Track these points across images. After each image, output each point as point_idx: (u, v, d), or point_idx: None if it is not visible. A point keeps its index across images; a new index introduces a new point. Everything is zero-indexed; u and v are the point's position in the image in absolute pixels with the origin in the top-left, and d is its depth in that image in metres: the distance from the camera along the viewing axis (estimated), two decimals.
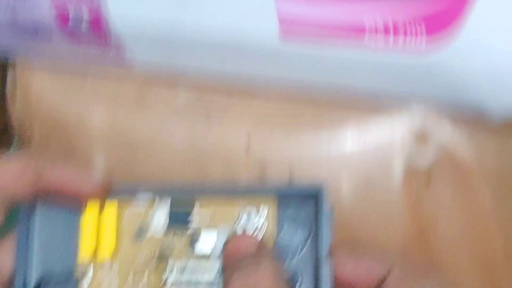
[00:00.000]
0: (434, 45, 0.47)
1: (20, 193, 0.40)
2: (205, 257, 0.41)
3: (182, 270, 0.41)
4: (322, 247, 0.39)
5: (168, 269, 0.41)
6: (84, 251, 0.41)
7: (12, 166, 0.40)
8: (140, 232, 0.41)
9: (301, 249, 0.41)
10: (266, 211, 0.40)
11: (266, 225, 0.40)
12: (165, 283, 0.41)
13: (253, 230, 0.41)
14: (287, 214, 0.41)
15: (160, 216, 0.41)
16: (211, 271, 0.41)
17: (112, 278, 0.41)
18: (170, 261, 0.41)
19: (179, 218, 0.41)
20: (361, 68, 0.51)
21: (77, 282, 0.41)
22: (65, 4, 0.57)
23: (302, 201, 0.41)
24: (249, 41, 0.52)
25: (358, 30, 0.49)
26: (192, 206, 0.41)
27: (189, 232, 0.41)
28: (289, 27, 0.51)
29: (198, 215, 0.41)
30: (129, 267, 0.41)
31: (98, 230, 0.41)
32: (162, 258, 0.41)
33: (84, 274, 0.41)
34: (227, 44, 0.53)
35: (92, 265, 0.41)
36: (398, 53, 0.49)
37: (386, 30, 0.48)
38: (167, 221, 0.41)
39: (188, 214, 0.41)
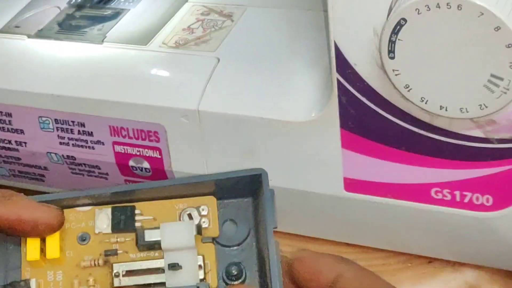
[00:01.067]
0: (501, 203, 0.50)
1: None
2: (152, 250, 0.41)
3: (129, 266, 0.41)
4: (268, 224, 0.40)
5: (114, 269, 0.41)
6: (27, 264, 0.41)
7: None
8: (84, 236, 0.42)
9: (243, 243, 0.42)
10: (207, 210, 0.42)
11: (207, 224, 0.41)
12: (113, 283, 0.41)
13: (196, 227, 0.41)
14: (226, 213, 0.42)
15: (102, 221, 0.42)
16: (159, 261, 0.41)
17: (58, 286, 0.41)
18: (116, 260, 0.41)
19: (121, 223, 0.41)
20: (423, 220, 0.53)
21: None
22: (126, 153, 0.59)
23: (239, 200, 0.42)
24: (313, 189, 0.55)
25: (423, 191, 0.51)
26: (133, 212, 0.42)
27: (132, 234, 0.41)
28: (354, 184, 0.53)
29: (140, 219, 0.42)
30: (74, 271, 0.41)
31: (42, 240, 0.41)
32: (109, 257, 0.41)
33: (26, 286, 0.40)
34: (290, 189, 0.55)
35: (34, 279, 0.41)
36: (463, 208, 0.51)
37: (453, 195, 0.51)
38: (110, 226, 0.41)
39: (129, 218, 0.41)
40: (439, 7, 0.43)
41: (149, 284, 0.41)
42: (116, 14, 0.64)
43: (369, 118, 0.50)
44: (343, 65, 0.49)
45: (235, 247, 0.42)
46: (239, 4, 0.62)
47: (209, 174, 0.43)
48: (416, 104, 0.47)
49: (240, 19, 0.60)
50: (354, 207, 0.54)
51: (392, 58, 0.46)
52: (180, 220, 0.42)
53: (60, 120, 0.59)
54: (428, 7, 0.43)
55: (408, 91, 0.46)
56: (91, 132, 0.59)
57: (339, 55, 0.48)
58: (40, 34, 0.63)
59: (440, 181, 0.51)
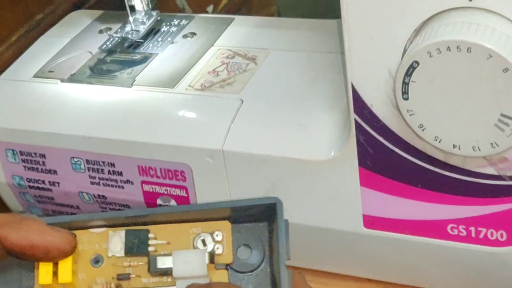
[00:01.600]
0: None
1: None
2: (165, 275, 0.41)
3: None
4: (280, 254, 0.39)
5: None
6: (40, 286, 0.40)
7: None
8: (98, 259, 0.41)
9: (257, 269, 0.41)
10: (221, 236, 0.41)
11: (221, 250, 0.41)
12: None
13: (209, 255, 0.40)
14: (241, 238, 0.41)
15: (116, 244, 0.41)
16: (174, 287, 0.40)
17: None
18: (128, 285, 0.41)
19: (134, 248, 0.41)
20: (440, 255, 0.54)
21: None
22: (154, 192, 0.61)
23: (254, 225, 0.41)
24: (333, 226, 0.56)
25: (440, 227, 0.53)
26: (147, 235, 0.41)
27: (145, 258, 0.41)
28: (373, 221, 0.55)
29: (153, 244, 0.41)
30: None
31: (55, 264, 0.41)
32: (121, 281, 0.41)
33: None
34: (312, 226, 0.57)
35: None
36: (478, 244, 0.52)
37: (468, 230, 0.52)
38: (123, 249, 0.41)
39: (143, 242, 0.41)
40: (450, 50, 0.45)
41: None
42: (145, 59, 0.66)
43: (386, 157, 0.52)
44: (360, 106, 0.51)
45: (248, 273, 0.41)
46: (263, 47, 0.64)
47: (224, 202, 0.43)
48: (430, 143, 0.48)
49: (264, 62, 0.63)
50: (374, 243, 0.56)
51: (406, 99, 0.47)
52: (194, 245, 0.41)
53: (91, 160, 0.61)
54: (439, 50, 0.45)
55: (422, 130, 0.48)
56: (121, 172, 0.61)
57: (356, 96, 0.50)
58: (73, 78, 0.65)
59: (455, 217, 0.52)
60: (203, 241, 0.41)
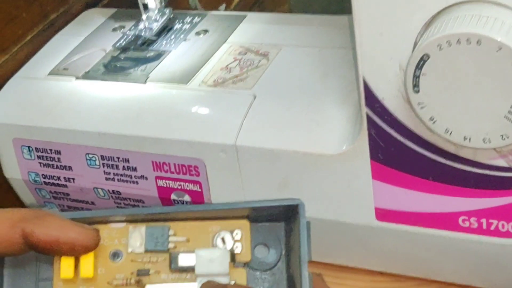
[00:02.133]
0: None
1: (9, 248, 0.40)
2: (184, 272, 0.41)
3: (163, 287, 0.41)
4: (302, 255, 0.39)
5: None
6: (59, 280, 0.41)
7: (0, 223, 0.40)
8: (117, 254, 0.42)
9: (273, 268, 0.41)
10: (240, 235, 0.41)
11: (240, 249, 0.41)
12: None
13: (229, 252, 0.41)
14: (258, 237, 0.42)
15: (135, 240, 0.41)
16: (192, 284, 0.41)
17: None
18: (148, 280, 0.41)
19: (154, 244, 0.41)
20: (452, 247, 0.55)
21: None
22: (168, 187, 0.61)
23: (272, 224, 0.42)
24: (346, 220, 0.57)
25: (451, 220, 0.53)
26: (167, 232, 0.41)
27: (165, 254, 0.41)
28: (385, 214, 0.55)
29: (173, 241, 0.41)
30: None
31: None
32: (141, 277, 0.41)
33: None
34: (324, 220, 0.58)
35: None
36: (489, 235, 0.53)
37: (479, 222, 0.53)
38: (143, 245, 0.41)
39: (163, 238, 0.41)
40: (460, 42, 0.45)
41: None
42: (158, 56, 0.67)
43: (397, 150, 0.52)
44: (371, 100, 0.51)
45: (265, 272, 0.42)
46: (275, 43, 0.65)
47: (246, 202, 0.44)
48: (441, 135, 0.49)
49: (275, 57, 0.63)
50: (386, 236, 0.56)
51: (417, 92, 0.48)
52: (213, 243, 0.42)
53: (106, 156, 0.62)
54: (449, 43, 0.45)
55: (433, 123, 0.49)
56: (135, 168, 0.62)
57: (368, 90, 0.51)
58: (87, 76, 0.66)
59: (467, 209, 0.53)
60: (223, 239, 0.42)
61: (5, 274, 0.42)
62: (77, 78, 0.66)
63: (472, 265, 0.56)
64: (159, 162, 0.61)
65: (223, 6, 1.04)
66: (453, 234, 0.54)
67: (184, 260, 0.41)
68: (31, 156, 0.65)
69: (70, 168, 0.64)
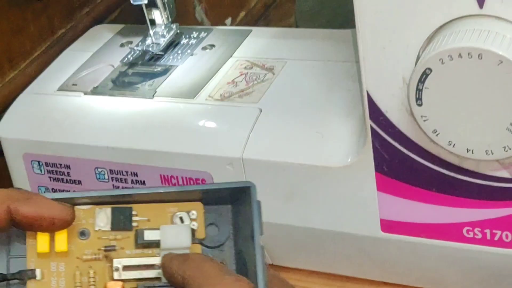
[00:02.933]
0: None
1: None
2: (147, 248, 0.44)
3: (128, 261, 0.44)
4: (255, 230, 0.43)
5: (114, 263, 0.44)
6: (32, 255, 0.44)
7: None
8: (84, 233, 0.44)
9: (222, 245, 0.45)
10: (195, 215, 0.45)
11: (196, 227, 0.45)
12: (112, 276, 0.44)
13: (190, 228, 0.45)
14: (210, 218, 0.46)
15: (102, 220, 0.45)
16: (155, 258, 0.44)
17: (60, 276, 0.44)
18: (116, 255, 0.44)
19: (120, 223, 0.45)
20: (457, 258, 0.55)
21: (25, 283, 0.44)
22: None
23: (220, 207, 0.46)
24: (351, 231, 0.58)
25: (455, 231, 0.54)
26: (131, 212, 0.45)
27: (131, 231, 0.45)
28: (390, 225, 0.56)
29: (136, 220, 0.45)
30: (76, 264, 0.44)
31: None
32: (108, 253, 0.44)
33: (32, 275, 0.44)
34: (330, 231, 0.58)
35: (39, 269, 0.44)
36: (493, 246, 0.53)
37: (483, 233, 0.54)
38: (108, 224, 0.45)
39: (127, 218, 0.45)
40: (461, 56, 0.46)
41: (146, 278, 0.44)
42: (166, 71, 0.68)
43: (401, 162, 0.53)
44: (375, 113, 0.52)
45: (216, 248, 0.46)
46: (280, 57, 0.66)
47: (199, 185, 0.47)
48: (444, 147, 0.50)
49: (281, 72, 0.64)
50: (391, 247, 0.57)
51: (420, 105, 0.49)
52: (172, 222, 0.46)
53: (114, 170, 0.63)
54: (451, 57, 0.46)
55: (436, 135, 0.49)
56: (144, 181, 0.62)
57: (372, 103, 0.52)
58: (96, 91, 0.67)
59: (471, 220, 0.53)
60: (181, 219, 0.45)
61: None
62: (86, 93, 0.67)
63: (476, 275, 0.57)
64: (167, 176, 0.61)
65: (229, 20, 1.05)
66: (457, 245, 0.55)
67: (149, 235, 0.45)
68: (41, 170, 0.66)
69: (79, 182, 0.65)
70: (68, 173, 0.65)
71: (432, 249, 0.56)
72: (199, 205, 0.46)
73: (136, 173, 0.62)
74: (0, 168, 0.70)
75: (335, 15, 0.96)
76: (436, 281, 0.59)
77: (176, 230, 0.45)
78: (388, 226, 0.56)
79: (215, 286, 0.40)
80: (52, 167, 0.65)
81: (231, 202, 0.46)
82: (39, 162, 0.65)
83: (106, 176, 0.64)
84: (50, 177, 0.66)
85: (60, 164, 0.65)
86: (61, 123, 0.65)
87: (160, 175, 0.62)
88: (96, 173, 0.64)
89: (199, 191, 0.46)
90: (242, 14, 1.09)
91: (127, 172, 0.63)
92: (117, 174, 0.63)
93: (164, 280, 0.44)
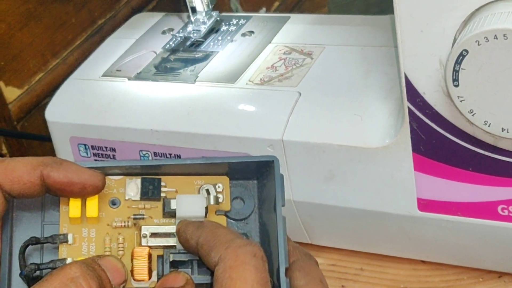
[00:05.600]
0: None
1: (29, 189, 0.44)
2: (173, 217, 0.46)
3: (155, 229, 0.46)
4: (277, 201, 0.45)
5: (142, 230, 0.46)
6: (65, 221, 0.46)
7: (22, 165, 0.44)
8: (115, 201, 0.47)
9: (247, 218, 0.47)
10: (221, 188, 0.47)
11: (221, 200, 0.47)
12: (140, 242, 0.46)
13: (213, 201, 0.47)
14: (235, 192, 0.48)
15: (132, 189, 0.47)
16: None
17: (91, 241, 0.46)
18: (144, 223, 0.46)
19: (149, 192, 0.47)
20: (491, 236, 0.57)
21: (58, 247, 0.46)
22: None
23: (246, 181, 0.48)
24: (389, 210, 0.59)
25: (490, 209, 0.55)
26: (160, 183, 0.47)
27: (159, 201, 0.47)
28: (427, 204, 0.57)
29: (165, 191, 0.47)
30: (106, 230, 0.46)
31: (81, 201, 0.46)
32: (137, 221, 0.46)
33: (64, 240, 0.46)
34: (368, 211, 0.60)
35: (71, 234, 0.46)
36: None
37: None
38: (138, 194, 0.47)
39: (156, 188, 0.47)
40: (497, 38, 0.47)
41: (172, 246, 0.46)
42: (207, 56, 0.70)
43: (438, 142, 0.54)
44: (413, 95, 0.53)
45: (241, 221, 0.48)
46: (318, 43, 0.67)
47: (225, 157, 0.49)
48: (480, 127, 0.51)
49: (319, 56, 0.66)
50: (428, 225, 0.59)
51: (457, 86, 0.50)
52: (199, 193, 0.47)
53: (158, 153, 0.65)
54: (486, 39, 0.48)
55: (472, 115, 0.51)
56: None
57: (409, 86, 0.53)
58: (139, 76, 0.69)
59: (505, 198, 0.55)
60: (207, 191, 0.47)
61: (14, 218, 0.47)
62: (130, 79, 0.69)
63: (510, 252, 0.58)
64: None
65: (264, 9, 1.07)
66: (492, 222, 0.56)
67: (174, 204, 0.47)
68: (87, 153, 0.68)
69: None
70: (113, 156, 0.67)
71: (468, 227, 0.57)
72: (225, 178, 0.47)
73: (179, 155, 0.64)
74: (47, 152, 0.73)
75: (368, 6, 0.97)
76: (471, 258, 0.61)
77: (191, 199, 0.46)
78: (424, 205, 0.58)
79: (227, 248, 0.42)
80: (98, 150, 0.67)
81: (257, 177, 0.48)
82: (85, 145, 0.68)
83: (150, 159, 0.65)
84: (96, 160, 0.68)
85: (106, 147, 0.67)
86: (106, 107, 0.67)
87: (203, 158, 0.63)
88: (140, 156, 0.66)
89: (225, 164, 0.47)
90: (276, 4, 1.11)
91: (170, 154, 0.65)
92: (161, 156, 0.65)
93: (179, 247, 0.46)
